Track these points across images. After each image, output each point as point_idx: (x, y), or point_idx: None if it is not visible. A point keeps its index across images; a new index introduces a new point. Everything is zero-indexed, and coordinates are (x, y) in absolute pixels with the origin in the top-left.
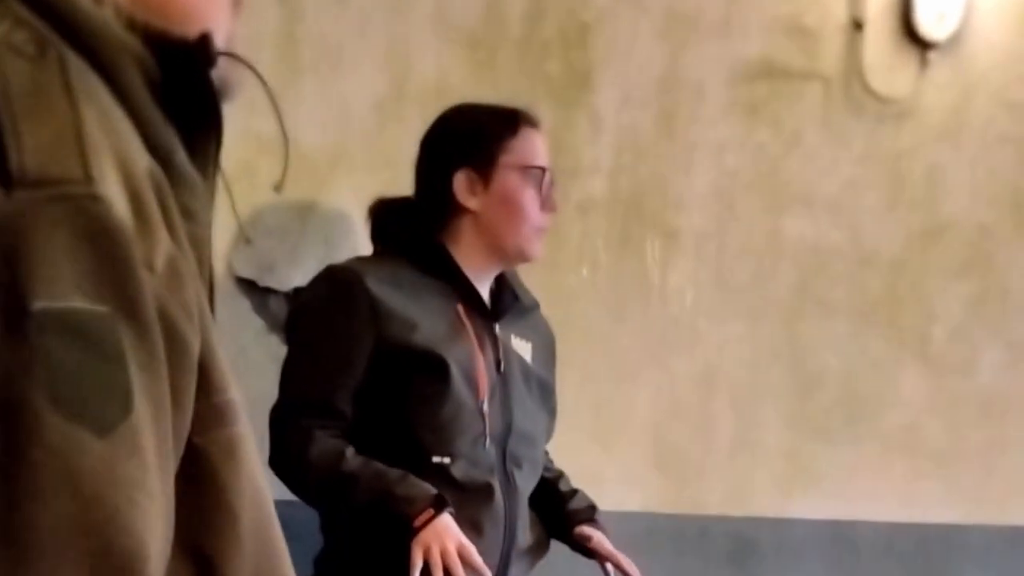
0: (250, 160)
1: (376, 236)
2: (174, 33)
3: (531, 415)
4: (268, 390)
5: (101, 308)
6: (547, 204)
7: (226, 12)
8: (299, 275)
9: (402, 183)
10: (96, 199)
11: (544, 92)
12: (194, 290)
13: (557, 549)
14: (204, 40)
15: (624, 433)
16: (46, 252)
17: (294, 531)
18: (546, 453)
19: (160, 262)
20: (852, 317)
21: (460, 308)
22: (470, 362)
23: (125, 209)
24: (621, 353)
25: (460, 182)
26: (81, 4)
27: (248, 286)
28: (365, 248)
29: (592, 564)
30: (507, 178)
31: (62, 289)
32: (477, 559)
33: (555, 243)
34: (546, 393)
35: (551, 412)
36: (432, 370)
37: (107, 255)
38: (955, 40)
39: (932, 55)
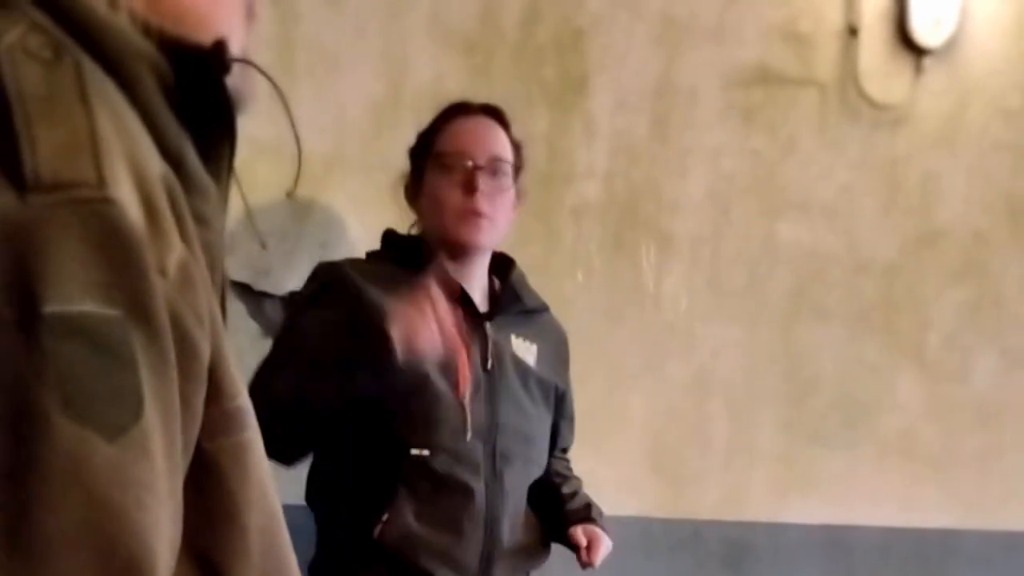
0: (247, 164)
1: (383, 256)
2: (189, 40)
3: (525, 413)
4: None
5: (113, 312)
6: (466, 186)
7: (240, 21)
8: (294, 279)
9: (398, 187)
10: (109, 203)
11: (539, 97)
12: (206, 295)
13: (554, 551)
14: (219, 46)
15: (619, 437)
16: (59, 256)
17: (303, 534)
18: (565, 460)
19: (172, 267)
20: (848, 322)
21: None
22: (450, 355)
23: (138, 213)
24: (616, 358)
25: (406, 192)
26: (97, 10)
27: (243, 290)
28: (360, 252)
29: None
30: (427, 175)
31: (74, 293)
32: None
33: (549, 247)
34: (548, 394)
35: (567, 417)
36: (411, 364)
37: (119, 259)
38: (950, 47)
39: (927, 61)
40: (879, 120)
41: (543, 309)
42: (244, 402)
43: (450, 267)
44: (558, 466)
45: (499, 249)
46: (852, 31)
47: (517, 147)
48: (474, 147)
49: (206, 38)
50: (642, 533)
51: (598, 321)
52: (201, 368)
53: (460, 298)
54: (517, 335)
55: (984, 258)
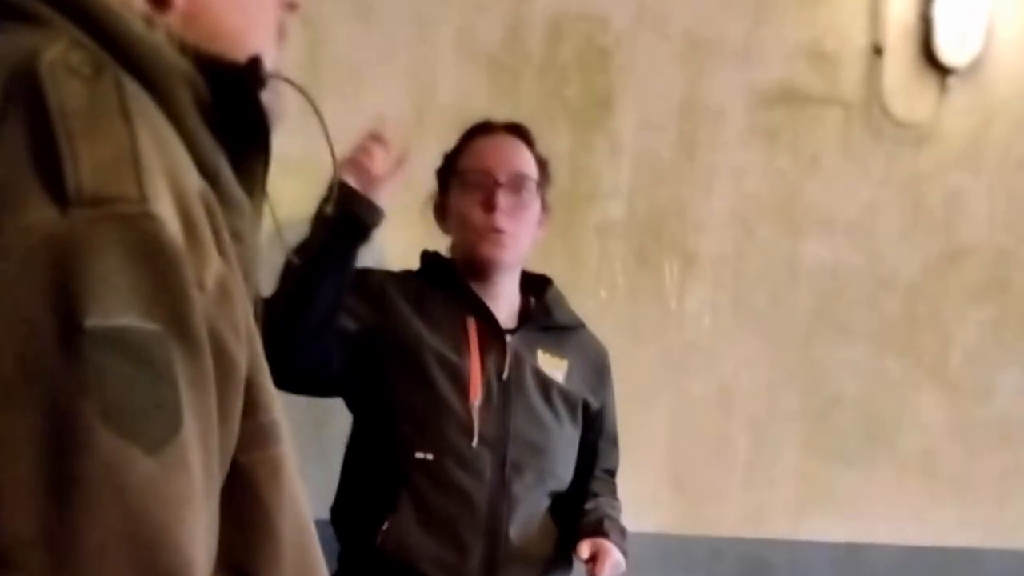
0: (275, 180)
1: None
2: (225, 57)
3: (542, 426)
4: (286, 406)
5: (153, 326)
6: (487, 203)
7: (272, 40)
8: None
9: (424, 205)
10: (150, 218)
11: (564, 116)
12: (243, 310)
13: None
14: (255, 63)
15: (640, 454)
16: (100, 270)
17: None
18: (607, 480)
19: (211, 281)
20: (870, 341)
21: (469, 319)
22: (460, 362)
23: (178, 229)
24: (638, 375)
25: (434, 211)
26: (134, 28)
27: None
28: (386, 268)
29: None
30: (453, 192)
31: (115, 307)
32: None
33: (573, 265)
34: (575, 408)
35: (607, 436)
36: (413, 361)
37: (160, 274)
38: (975, 66)
39: (952, 80)
40: (903, 138)
41: (578, 326)
42: (279, 416)
43: (474, 284)
44: (596, 487)
45: (523, 267)
46: (877, 50)
47: (542, 164)
48: (495, 164)
49: (241, 56)
50: (661, 550)
51: (621, 338)
52: (238, 383)
53: (478, 311)
54: (544, 350)
55: (1007, 276)
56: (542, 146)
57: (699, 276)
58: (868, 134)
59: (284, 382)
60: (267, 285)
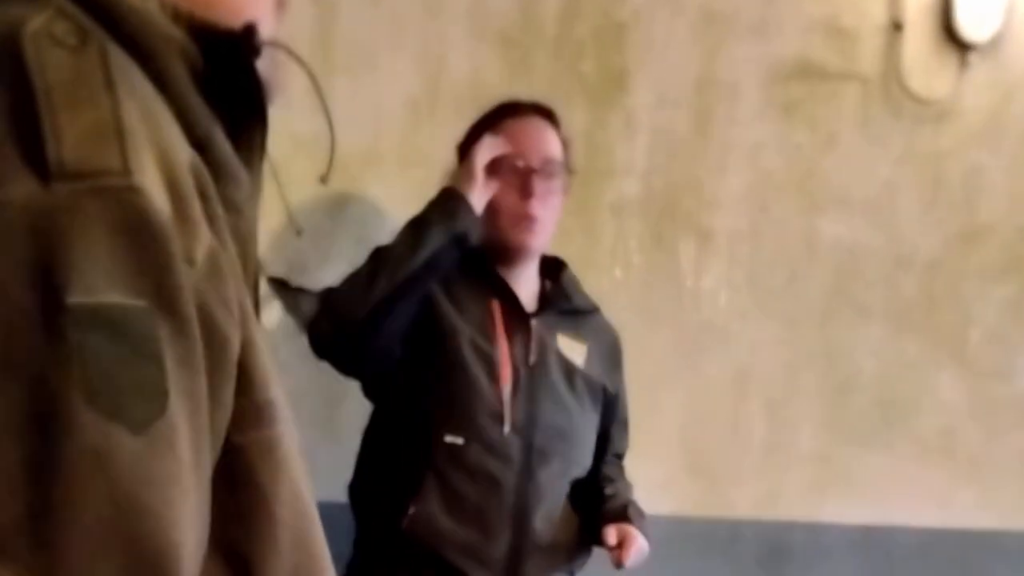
0: (286, 159)
1: None
2: (219, 25)
3: (567, 411)
4: (299, 390)
5: (138, 303)
6: (523, 190)
7: (270, 8)
8: (331, 275)
9: (435, 183)
10: (135, 191)
11: (578, 92)
12: (235, 285)
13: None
14: (249, 30)
15: (656, 436)
16: (83, 245)
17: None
18: (619, 465)
19: (200, 256)
20: (888, 320)
21: (495, 303)
22: (492, 349)
23: (165, 202)
24: (653, 355)
25: None
26: None
27: (280, 285)
28: None
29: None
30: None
31: (99, 283)
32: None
33: (588, 244)
34: (596, 394)
35: (620, 421)
36: (449, 349)
37: (145, 248)
38: (995, 42)
39: (972, 57)
40: (922, 115)
41: (594, 310)
42: (276, 395)
43: (505, 268)
44: (609, 471)
45: None
46: (896, 26)
47: (566, 146)
48: (529, 149)
49: (236, 24)
50: (678, 532)
51: (636, 317)
52: (230, 359)
53: (504, 296)
54: (564, 334)
55: None
56: None
57: (715, 254)
58: (886, 111)
59: (341, 365)
60: (270, 265)
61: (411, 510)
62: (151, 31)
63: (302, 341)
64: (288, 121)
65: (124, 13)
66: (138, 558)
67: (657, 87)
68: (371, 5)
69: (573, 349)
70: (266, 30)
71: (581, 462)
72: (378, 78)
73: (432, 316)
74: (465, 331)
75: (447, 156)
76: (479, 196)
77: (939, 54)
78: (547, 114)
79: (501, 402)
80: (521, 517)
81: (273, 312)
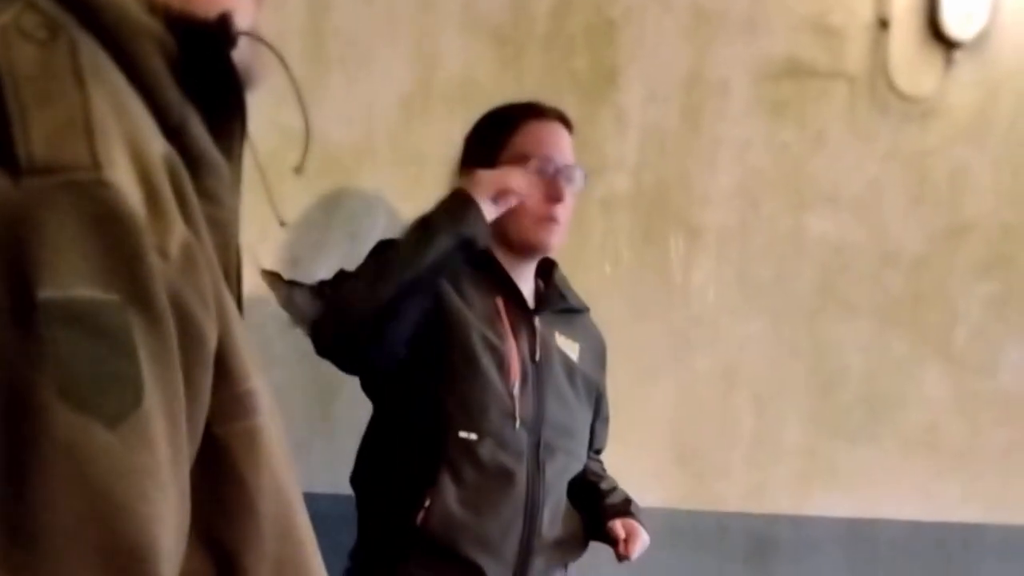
0: (275, 153)
1: None
2: (195, 15)
3: (569, 407)
4: (292, 383)
5: (110, 296)
6: (550, 193)
7: (249, 1)
8: (324, 268)
9: (427, 178)
10: (105, 185)
11: (569, 88)
12: (211, 277)
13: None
14: (224, 20)
15: (644, 429)
16: (54, 240)
17: (336, 522)
18: (599, 461)
19: (174, 248)
20: (874, 316)
21: (499, 299)
22: (502, 344)
23: (136, 195)
24: (642, 350)
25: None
26: None
27: (273, 279)
28: None
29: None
30: None
31: (69, 278)
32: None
33: (578, 239)
34: (591, 391)
35: (603, 418)
36: (461, 344)
37: (116, 242)
38: (981, 40)
39: (958, 54)
40: (908, 113)
41: (584, 310)
42: (255, 385)
43: (511, 266)
44: (593, 466)
45: None
46: (883, 24)
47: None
48: (557, 153)
49: (212, 14)
50: (666, 525)
51: (625, 313)
52: (206, 351)
53: (509, 292)
54: (560, 333)
55: (1012, 251)
56: None
57: (704, 250)
58: (873, 108)
59: (347, 365)
60: (263, 258)
61: (427, 503)
62: (125, 22)
63: (296, 334)
64: (278, 114)
65: (98, 4)
66: (115, 552)
67: (647, 84)
68: (364, 1)
69: (569, 347)
70: (244, 20)
71: (580, 456)
72: (371, 73)
73: (445, 309)
74: (476, 325)
75: (439, 150)
76: (492, 207)
77: (925, 52)
78: (565, 120)
79: (512, 398)
80: (532, 512)
81: (267, 305)
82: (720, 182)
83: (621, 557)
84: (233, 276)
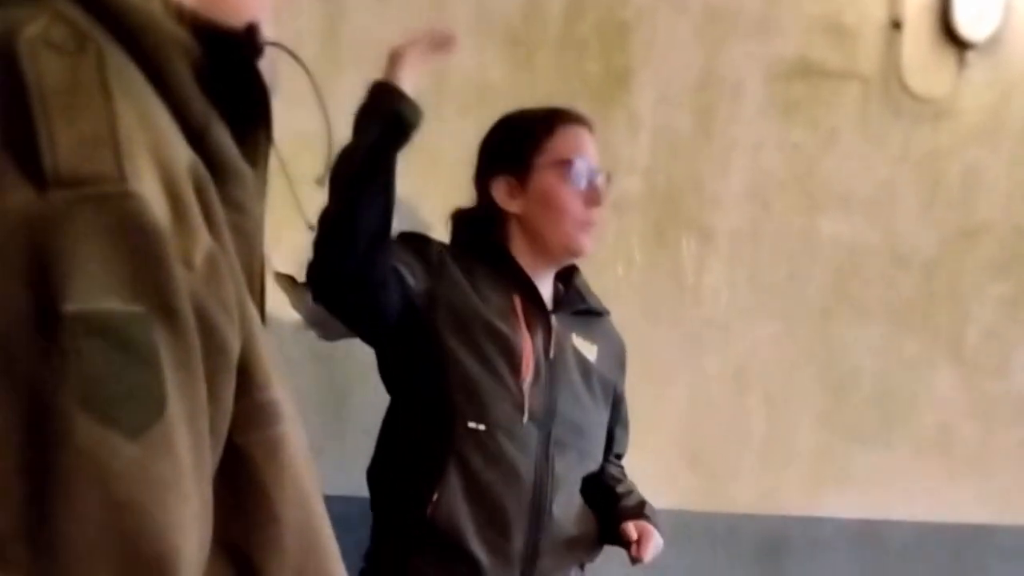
0: (293, 155)
1: (452, 240)
2: (222, 24)
3: (583, 406)
4: (305, 387)
5: (135, 308)
6: (590, 198)
7: (270, 8)
8: None
9: (441, 180)
10: (130, 197)
11: (582, 91)
12: (235, 287)
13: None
14: (251, 30)
15: (657, 431)
16: (79, 252)
17: (349, 525)
18: (620, 466)
19: (199, 259)
20: (886, 318)
21: (516, 297)
22: (514, 338)
23: (162, 205)
24: (655, 352)
25: (499, 188)
26: None
27: (288, 281)
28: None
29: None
30: (543, 178)
31: (95, 290)
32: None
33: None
34: (608, 392)
35: (622, 422)
36: (470, 335)
37: (141, 254)
38: (994, 41)
39: (970, 55)
40: (921, 114)
41: (604, 313)
42: (278, 394)
43: (536, 269)
44: (612, 470)
45: None
46: (895, 25)
47: None
48: (593, 158)
49: (238, 23)
50: (678, 526)
51: (637, 314)
52: (229, 361)
53: (526, 291)
54: (578, 334)
55: None
56: None
57: (716, 252)
58: (886, 109)
59: (338, 302)
60: (278, 261)
61: (435, 496)
62: (153, 31)
63: (308, 337)
64: (294, 117)
65: (126, 13)
66: (137, 562)
67: (659, 86)
68: (378, 2)
69: (586, 348)
70: (267, 28)
71: (595, 456)
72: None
73: (455, 301)
74: (486, 319)
75: (452, 152)
76: (410, 80)
77: (938, 53)
78: (591, 126)
79: (522, 392)
80: (539, 509)
81: (280, 308)
82: (732, 184)
83: (634, 559)
84: (257, 285)
